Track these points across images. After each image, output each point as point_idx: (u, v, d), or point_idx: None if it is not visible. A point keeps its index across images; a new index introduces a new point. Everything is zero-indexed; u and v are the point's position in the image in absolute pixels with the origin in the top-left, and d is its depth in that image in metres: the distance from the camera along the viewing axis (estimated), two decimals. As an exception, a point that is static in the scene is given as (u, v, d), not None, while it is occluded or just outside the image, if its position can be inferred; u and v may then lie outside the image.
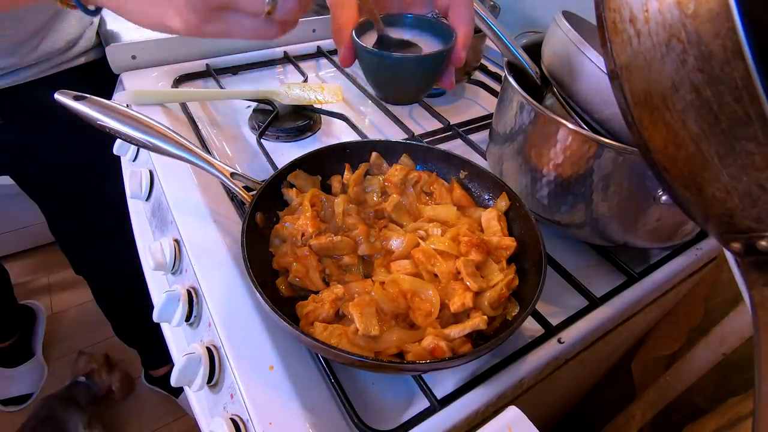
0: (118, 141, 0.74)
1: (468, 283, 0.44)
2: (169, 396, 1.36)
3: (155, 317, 0.53)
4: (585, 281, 0.53)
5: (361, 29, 0.40)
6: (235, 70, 0.87)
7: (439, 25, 0.41)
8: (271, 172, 0.56)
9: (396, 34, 0.42)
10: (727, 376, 0.64)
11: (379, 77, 0.41)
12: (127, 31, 0.84)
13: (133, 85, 0.80)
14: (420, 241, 0.49)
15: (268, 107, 0.75)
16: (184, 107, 0.75)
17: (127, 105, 0.64)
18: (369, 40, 0.41)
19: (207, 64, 0.85)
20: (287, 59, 0.91)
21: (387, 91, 0.44)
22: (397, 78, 0.41)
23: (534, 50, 0.57)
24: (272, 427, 0.39)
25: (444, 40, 0.41)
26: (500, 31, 0.51)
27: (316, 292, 0.46)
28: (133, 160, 0.74)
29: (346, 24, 0.39)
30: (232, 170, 0.52)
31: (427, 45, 0.42)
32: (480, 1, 0.55)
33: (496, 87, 0.89)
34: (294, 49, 0.93)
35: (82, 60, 0.85)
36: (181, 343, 0.57)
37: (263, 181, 0.52)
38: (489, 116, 0.80)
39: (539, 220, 0.55)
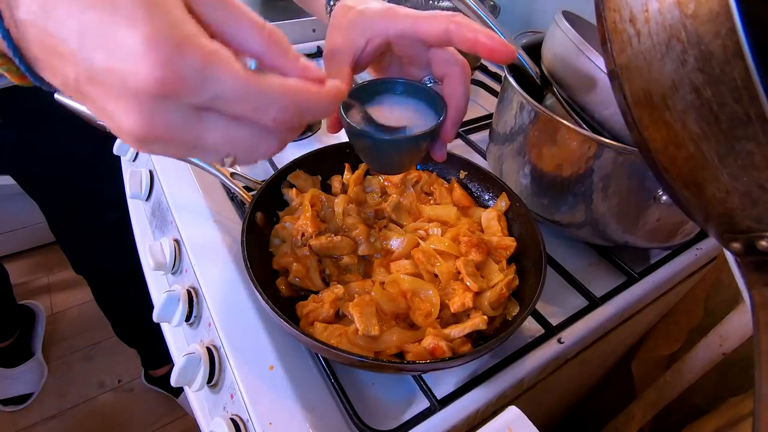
0: (118, 141, 0.74)
1: (468, 283, 0.44)
2: (169, 396, 1.36)
3: (155, 317, 0.53)
4: (585, 281, 0.53)
5: (354, 95, 0.39)
6: (235, 70, 0.87)
7: (433, 95, 0.39)
8: (271, 172, 0.56)
9: (388, 100, 0.40)
10: (727, 376, 0.64)
11: (361, 151, 0.41)
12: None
13: (133, 85, 0.80)
14: (420, 241, 0.49)
15: (268, 107, 0.75)
16: (184, 107, 0.75)
17: (127, 105, 0.63)
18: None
19: (207, 64, 0.85)
20: (287, 59, 0.91)
21: (372, 164, 0.43)
22: (380, 154, 0.40)
23: (534, 50, 0.57)
24: (272, 427, 0.39)
25: (436, 111, 0.39)
26: (500, 31, 0.51)
27: (316, 292, 0.46)
28: (133, 160, 0.74)
29: None
30: (232, 170, 0.52)
31: (419, 113, 0.40)
32: (480, 1, 0.55)
33: (496, 87, 0.89)
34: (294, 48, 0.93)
35: (82, 60, 0.84)
36: (181, 343, 0.57)
37: (263, 181, 0.52)
38: (489, 116, 0.80)
39: (539, 220, 0.55)
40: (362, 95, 0.40)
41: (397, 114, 0.40)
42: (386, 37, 0.38)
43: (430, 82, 0.41)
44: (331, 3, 0.43)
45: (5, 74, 0.25)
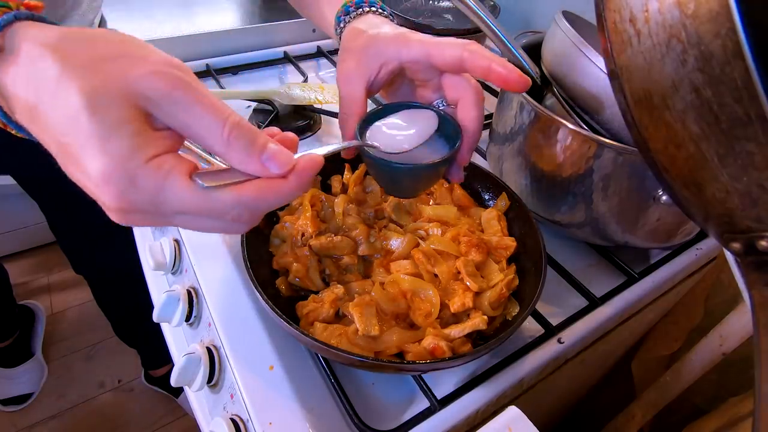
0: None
1: (468, 283, 0.44)
2: (169, 396, 1.36)
3: (155, 317, 0.53)
4: (585, 281, 0.53)
5: (369, 120, 0.39)
6: (235, 70, 0.87)
7: (447, 120, 0.39)
8: (271, 172, 0.56)
9: (399, 123, 0.40)
10: (727, 376, 0.64)
11: (378, 177, 0.41)
12: (126, 30, 0.84)
13: (133, 85, 0.80)
14: (420, 241, 0.49)
15: (268, 107, 0.75)
16: (184, 107, 0.75)
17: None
18: (376, 129, 0.40)
19: (207, 64, 0.85)
20: (287, 59, 0.91)
21: (388, 189, 0.44)
22: (398, 181, 0.40)
23: (534, 50, 0.57)
24: (272, 427, 0.39)
25: (450, 137, 0.39)
26: (500, 31, 0.51)
27: (316, 292, 0.46)
28: (133, 160, 0.74)
29: (352, 115, 0.39)
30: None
31: (433, 138, 0.40)
32: (480, 0, 0.55)
33: (496, 87, 0.89)
34: (294, 49, 0.93)
35: (82, 60, 0.84)
36: (181, 343, 0.57)
37: (263, 181, 0.52)
38: (489, 116, 0.80)
39: (539, 220, 0.55)
40: (376, 120, 0.40)
41: (412, 139, 0.40)
42: (399, 62, 0.39)
43: (442, 105, 0.41)
44: (341, 25, 0.44)
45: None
